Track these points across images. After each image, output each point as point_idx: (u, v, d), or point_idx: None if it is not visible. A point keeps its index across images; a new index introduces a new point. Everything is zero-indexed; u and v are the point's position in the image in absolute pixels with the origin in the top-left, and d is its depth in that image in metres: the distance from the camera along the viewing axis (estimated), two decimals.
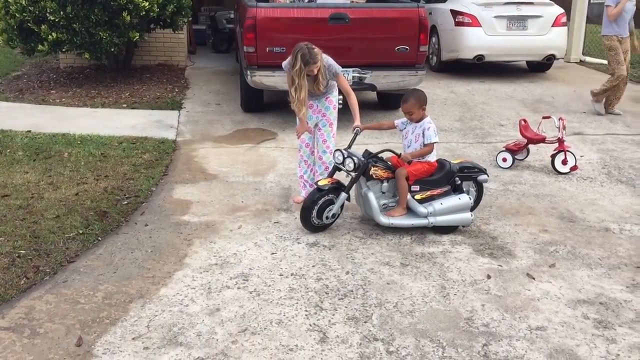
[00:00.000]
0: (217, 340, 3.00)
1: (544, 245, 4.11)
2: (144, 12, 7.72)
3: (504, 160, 5.69)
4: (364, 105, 8.07)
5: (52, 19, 7.44)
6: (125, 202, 4.66)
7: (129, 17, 7.64)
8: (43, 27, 7.52)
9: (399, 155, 4.26)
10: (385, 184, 4.18)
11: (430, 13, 10.68)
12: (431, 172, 4.25)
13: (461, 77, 9.98)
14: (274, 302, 3.35)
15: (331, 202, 4.11)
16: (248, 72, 6.67)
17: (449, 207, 4.14)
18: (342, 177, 4.34)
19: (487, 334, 3.08)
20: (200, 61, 11.16)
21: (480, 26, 9.64)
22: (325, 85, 4.47)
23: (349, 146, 4.31)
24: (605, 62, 10.86)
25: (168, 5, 8.07)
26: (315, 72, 4.32)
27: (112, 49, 8.00)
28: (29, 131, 6.35)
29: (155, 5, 7.82)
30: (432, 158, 4.28)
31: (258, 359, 2.85)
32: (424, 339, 3.03)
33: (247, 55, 6.60)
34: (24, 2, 7.40)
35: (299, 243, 4.07)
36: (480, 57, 9.71)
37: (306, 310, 3.27)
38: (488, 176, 4.49)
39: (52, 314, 3.20)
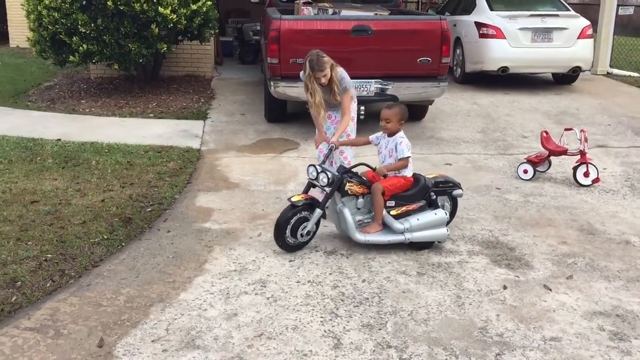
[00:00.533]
0: (233, 344, 3.07)
1: (562, 257, 4.10)
2: (171, 25, 7.91)
3: (525, 172, 5.68)
4: None
5: (83, 31, 7.67)
6: (149, 209, 4.78)
7: (157, 29, 7.84)
8: (74, 38, 7.76)
9: (374, 170, 4.12)
10: (360, 199, 4.08)
11: (454, 25, 10.73)
12: (407, 187, 4.17)
13: (485, 88, 9.97)
14: (290, 308, 3.41)
15: (305, 220, 3.99)
16: (271, 83, 6.78)
17: (426, 222, 4.06)
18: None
19: (501, 344, 3.09)
20: (226, 72, 11.35)
21: (505, 38, 9.64)
22: (339, 98, 4.57)
23: (323, 162, 4.29)
24: (634, 74, 10.77)
25: (195, 17, 8.25)
26: (323, 80, 4.44)
27: (141, 60, 8.20)
28: (59, 139, 6.55)
29: (183, 18, 8.00)
30: (408, 173, 4.20)
31: None
32: (437, 347, 3.06)
33: (271, 66, 6.72)
34: (56, 15, 7.65)
35: (317, 251, 4.13)
36: (504, 69, 9.70)
37: (321, 317, 3.32)
38: (462, 191, 4.48)
39: (75, 316, 3.30)
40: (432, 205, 4.24)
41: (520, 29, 9.61)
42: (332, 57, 6.71)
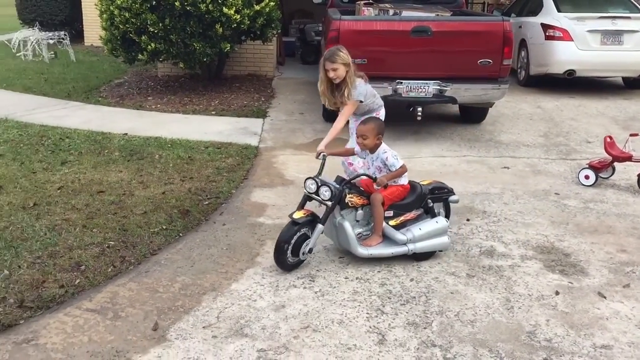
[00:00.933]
0: (280, 334, 3.15)
1: (620, 265, 3.98)
2: (235, 25, 8.11)
3: (587, 177, 5.52)
4: (446, 118, 8.08)
5: (152, 30, 7.98)
6: (207, 203, 4.94)
7: (221, 29, 8.06)
8: (143, 37, 8.08)
9: (374, 180, 3.85)
10: (360, 211, 3.89)
11: (519, 27, 10.51)
12: (404, 195, 4.02)
13: (550, 92, 9.72)
14: (337, 302, 3.46)
15: (306, 237, 3.77)
16: None
17: (428, 232, 3.91)
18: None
19: (549, 349, 3.04)
20: (288, 72, 11.52)
21: (572, 40, 9.37)
22: (347, 98, 4.43)
23: (319, 173, 3.96)
24: None
25: (258, 18, 8.43)
26: (332, 74, 4.34)
27: (205, 59, 8.45)
28: (126, 134, 6.85)
29: (246, 18, 8.20)
30: (404, 181, 4.05)
31: (317, 355, 2.97)
32: (482, 348, 3.04)
33: None
34: (127, 15, 7.99)
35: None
36: (571, 72, 9.43)
37: (367, 313, 3.36)
38: (457, 197, 4.39)
39: (133, 300, 3.47)
40: (429, 212, 4.13)
41: (589, 31, 9.31)
42: (392, 57, 6.79)
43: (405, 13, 7.75)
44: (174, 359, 2.93)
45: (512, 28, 6.89)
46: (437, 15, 7.67)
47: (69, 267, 3.80)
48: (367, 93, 4.56)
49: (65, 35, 13.56)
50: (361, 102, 4.51)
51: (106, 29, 8.48)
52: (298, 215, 3.75)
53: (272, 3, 8.58)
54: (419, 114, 6.81)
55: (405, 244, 3.87)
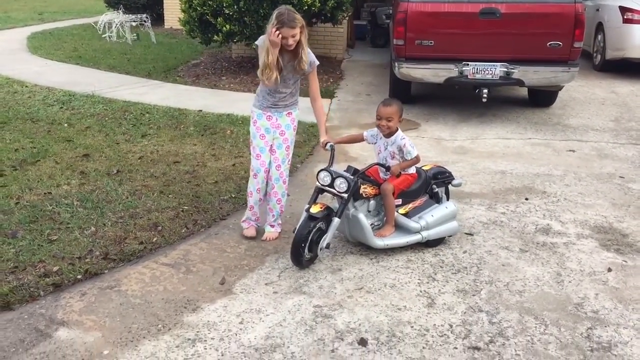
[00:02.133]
0: (335, 293, 3.38)
1: None
2: (306, 7, 8.34)
3: None
4: (513, 101, 8.04)
5: (227, 12, 8.34)
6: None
7: None
8: (219, 19, 8.45)
9: (388, 169, 3.77)
10: (372, 202, 3.82)
11: (597, 10, 10.22)
12: (412, 183, 3.95)
13: (626, 77, 9.45)
14: (391, 269, 3.66)
15: (321, 231, 3.64)
16: (396, 64, 6.99)
17: (440, 218, 3.87)
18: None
19: (595, 320, 3.13)
20: (357, 54, 11.67)
21: None
22: (307, 67, 3.79)
23: (330, 164, 3.79)
24: None
25: (328, 1, 8.62)
26: (291, 41, 3.59)
27: None
28: (201, 110, 7.24)
29: (317, 1, 8.41)
30: (413, 169, 3.97)
31: (368, 312, 3.19)
32: (528, 316, 3.17)
33: (396, 47, 6.92)
34: None
35: None
36: None
37: (419, 279, 3.54)
38: (460, 180, 4.35)
39: (203, 258, 3.80)
40: (434, 197, 4.12)
41: None
42: (459, 39, 6.84)
43: None
44: (238, 309, 3.22)
45: (587, 10, 6.78)
46: None
47: (147, 227, 4.17)
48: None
49: (147, 18, 14.23)
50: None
51: (185, 11, 8.91)
52: (315, 209, 3.59)
53: None
54: (485, 95, 6.85)
55: (419, 232, 3.82)
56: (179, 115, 7.07)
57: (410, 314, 3.18)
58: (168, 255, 3.83)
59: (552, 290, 3.42)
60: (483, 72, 6.78)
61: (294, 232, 3.60)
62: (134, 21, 14.08)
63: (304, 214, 3.61)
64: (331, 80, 9.18)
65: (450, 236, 4.03)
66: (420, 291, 3.41)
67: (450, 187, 4.33)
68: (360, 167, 3.84)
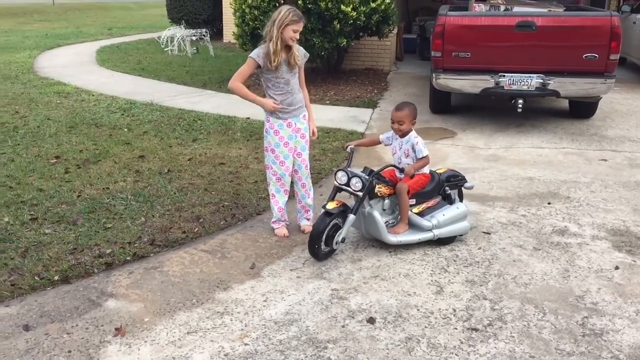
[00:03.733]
0: (352, 279, 3.72)
1: None
2: (351, 21, 8.74)
3: None
4: (553, 113, 8.16)
5: None
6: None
7: (338, 25, 8.72)
8: None
9: (401, 170, 4.02)
10: (387, 200, 4.06)
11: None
12: (426, 184, 4.16)
13: None
14: (407, 260, 3.96)
15: (337, 227, 3.90)
16: (434, 75, 7.27)
17: (451, 217, 4.10)
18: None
19: (592, 310, 3.34)
20: (404, 67, 11.97)
21: None
22: (300, 60, 4.14)
23: (348, 165, 4.15)
24: None
25: (374, 15, 8.99)
26: (298, 35, 4.01)
27: (323, 53, 9.17)
28: (248, 118, 7.73)
29: (362, 15, 8.80)
30: (426, 170, 4.19)
31: (380, 296, 3.51)
32: (529, 304, 3.41)
33: (434, 59, 7.21)
34: (256, 13, 8.91)
35: None
36: None
37: (432, 270, 3.83)
38: (472, 183, 4.52)
39: (237, 246, 4.20)
40: (447, 199, 4.31)
41: None
42: (495, 51, 7.09)
43: (517, 9, 7.96)
44: (264, 289, 3.60)
45: (624, 23, 6.88)
46: (550, 10, 7.81)
47: (190, 219, 4.62)
48: None
49: (206, 32, 14.97)
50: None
51: (238, 25, 9.47)
52: (331, 206, 3.87)
53: (387, 0, 9.10)
54: (520, 106, 7.04)
55: (430, 229, 4.05)
56: (228, 122, 7.57)
57: (419, 299, 3.48)
58: (207, 244, 4.26)
59: (556, 284, 3.65)
60: (519, 83, 6.97)
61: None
62: (194, 36, 14.84)
63: (323, 211, 3.90)
64: (375, 91, 9.53)
65: (461, 235, 4.25)
66: (431, 280, 3.70)
67: (463, 189, 4.56)
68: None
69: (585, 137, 7.05)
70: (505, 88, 7.03)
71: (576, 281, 3.68)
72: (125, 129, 7.23)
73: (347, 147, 4.30)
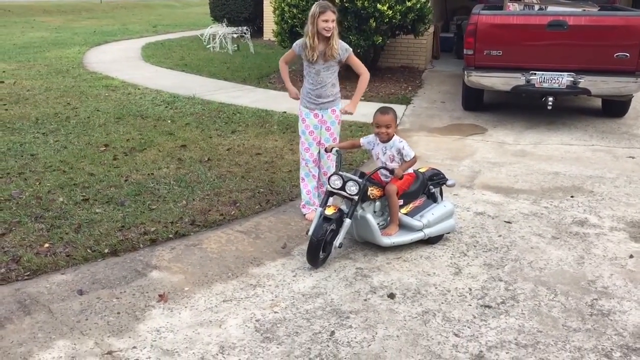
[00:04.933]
0: (376, 260, 3.98)
1: None
2: (387, 20, 8.97)
3: None
4: (585, 111, 8.24)
5: None
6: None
7: (374, 24, 8.97)
8: None
9: (391, 172, 4.00)
10: (377, 203, 4.08)
11: None
12: (411, 183, 4.18)
13: None
14: (430, 245, 4.20)
15: (334, 232, 3.88)
16: (465, 72, 7.45)
17: (439, 216, 4.13)
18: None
19: (602, 293, 3.53)
20: (440, 65, 12.13)
21: None
22: (337, 54, 4.40)
23: (339, 169, 4.13)
24: None
25: (409, 13, 9.20)
26: (331, 25, 4.25)
27: (359, 51, 9.41)
28: (284, 112, 8.05)
29: (398, 14, 9.02)
30: (411, 170, 4.21)
31: (401, 275, 3.76)
32: (542, 286, 3.62)
33: (466, 57, 7.39)
34: (295, 11, 9.22)
35: (468, 210, 4.83)
36: None
37: (452, 254, 4.06)
38: (454, 181, 4.58)
39: (270, 228, 4.51)
40: (431, 197, 4.37)
41: None
42: (526, 50, 7.23)
43: (551, 8, 8.07)
44: (293, 267, 3.90)
45: None
46: (584, 10, 7.89)
47: (228, 203, 4.96)
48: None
49: (247, 30, 15.39)
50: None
51: (277, 23, 9.80)
52: (329, 211, 3.85)
53: (423, 0, 9.30)
54: (550, 103, 7.16)
55: (421, 229, 4.08)
56: (265, 115, 7.91)
57: (437, 279, 3.72)
58: (242, 225, 4.58)
59: (570, 269, 3.84)
60: (550, 81, 7.10)
61: (307, 234, 3.90)
62: (235, 33, 15.27)
63: (317, 216, 3.88)
64: (410, 89, 9.74)
65: (449, 233, 4.31)
66: (451, 263, 3.94)
67: (444, 187, 4.61)
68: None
69: (616, 135, 7.13)
70: (536, 86, 7.17)
71: (590, 267, 3.86)
72: (169, 121, 7.63)
73: (330, 150, 4.29)
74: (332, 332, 3.16)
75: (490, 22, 7.18)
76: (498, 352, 2.98)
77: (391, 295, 3.52)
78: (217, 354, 2.99)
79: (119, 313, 3.35)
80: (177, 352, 3.01)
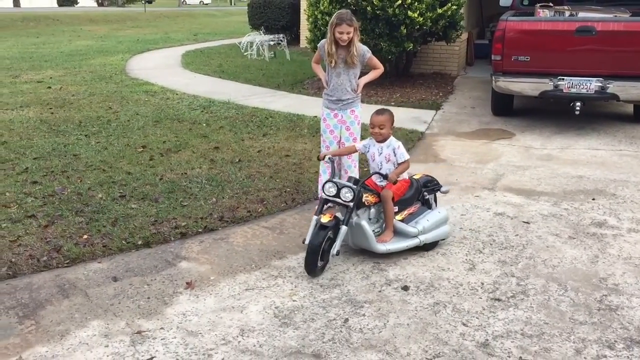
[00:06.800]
0: (393, 255, 4.13)
1: None
2: (418, 26, 9.12)
3: None
4: (617, 117, 8.22)
5: None
6: (366, 169, 6.04)
7: (405, 30, 9.13)
8: None
9: (385, 177, 4.02)
10: (372, 209, 4.05)
11: None
12: (406, 189, 4.18)
13: None
14: (447, 242, 4.34)
15: (331, 240, 3.85)
16: (494, 78, 7.55)
17: (434, 222, 4.13)
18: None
19: (612, 290, 3.62)
20: (473, 72, 12.19)
21: None
22: (357, 59, 4.57)
23: (333, 176, 4.15)
24: None
25: (440, 20, 9.33)
26: (345, 37, 4.41)
27: (390, 57, 9.59)
28: (315, 116, 8.26)
29: (429, 21, 9.16)
30: (406, 175, 4.22)
31: (416, 270, 3.92)
32: (553, 282, 3.72)
33: (495, 62, 7.49)
34: (327, 18, 9.45)
35: (487, 211, 4.94)
36: None
37: (467, 251, 4.19)
38: (448, 187, 4.65)
39: (294, 225, 4.72)
40: (425, 204, 4.38)
41: None
42: (554, 55, 7.30)
43: (581, 14, 8.09)
44: None
45: None
46: (615, 16, 7.89)
47: (255, 201, 5.19)
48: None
49: (283, 38, 15.72)
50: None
51: (311, 30, 10.06)
52: (326, 219, 3.81)
53: (454, 7, 9.41)
54: (577, 108, 7.19)
55: (416, 236, 4.06)
56: (296, 119, 8.15)
57: (451, 274, 3.87)
58: (268, 221, 4.80)
59: (583, 267, 3.93)
60: (578, 86, 7.13)
61: (304, 242, 3.91)
62: (272, 41, 15.62)
63: (313, 224, 3.88)
64: (440, 94, 9.85)
65: (443, 240, 4.30)
66: (466, 259, 4.07)
67: (438, 194, 4.65)
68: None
69: None
70: (564, 91, 7.21)
71: (603, 266, 3.95)
72: (204, 124, 7.94)
73: (323, 158, 4.35)
74: (346, 320, 3.34)
75: (517, 28, 7.27)
76: (503, 341, 3.11)
77: (405, 288, 3.68)
78: (237, 336, 3.20)
79: (149, 298, 3.60)
80: (200, 333, 3.23)
